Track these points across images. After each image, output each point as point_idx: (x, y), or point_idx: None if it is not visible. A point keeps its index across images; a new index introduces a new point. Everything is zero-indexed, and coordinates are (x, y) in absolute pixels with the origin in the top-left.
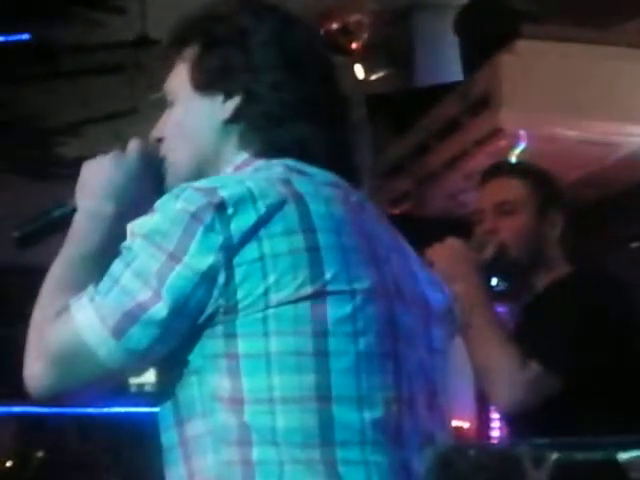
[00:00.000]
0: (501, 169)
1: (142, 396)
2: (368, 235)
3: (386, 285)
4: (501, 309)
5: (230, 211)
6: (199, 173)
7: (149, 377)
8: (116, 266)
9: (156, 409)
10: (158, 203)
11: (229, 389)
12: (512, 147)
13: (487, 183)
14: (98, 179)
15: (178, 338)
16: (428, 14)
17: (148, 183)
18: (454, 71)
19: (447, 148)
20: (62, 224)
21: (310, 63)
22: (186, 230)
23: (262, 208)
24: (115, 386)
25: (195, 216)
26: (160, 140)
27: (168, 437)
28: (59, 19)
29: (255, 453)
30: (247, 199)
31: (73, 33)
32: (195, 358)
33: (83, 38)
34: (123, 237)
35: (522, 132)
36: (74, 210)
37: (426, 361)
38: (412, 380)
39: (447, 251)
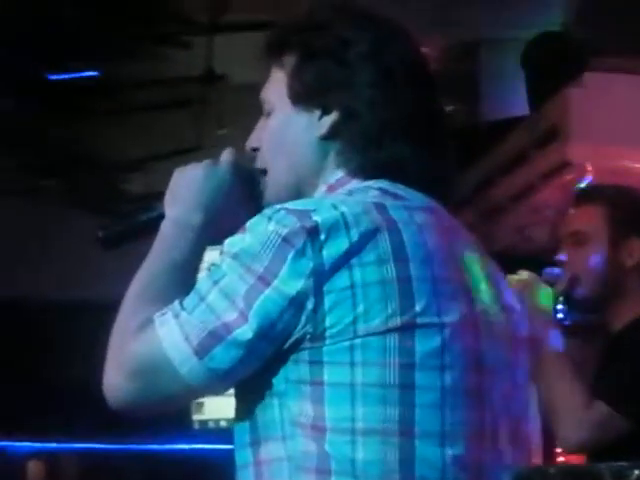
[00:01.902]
0: (580, 196)
1: (205, 433)
2: (460, 264)
3: (475, 317)
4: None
5: (323, 237)
6: (296, 189)
7: (212, 414)
8: (203, 284)
9: (219, 446)
10: (249, 223)
11: (311, 416)
12: (579, 180)
13: (569, 211)
14: (188, 188)
15: (261, 361)
16: (495, 48)
17: (238, 194)
18: (520, 105)
19: (514, 181)
20: (147, 229)
21: (411, 80)
22: (277, 253)
23: (355, 235)
24: (178, 423)
25: (287, 240)
26: (255, 150)
27: (241, 456)
28: (126, 55)
29: None
30: (340, 225)
31: (140, 69)
32: (278, 382)
33: (150, 73)
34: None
35: (589, 165)
36: (161, 216)
37: (510, 394)
38: (495, 415)
39: (520, 283)
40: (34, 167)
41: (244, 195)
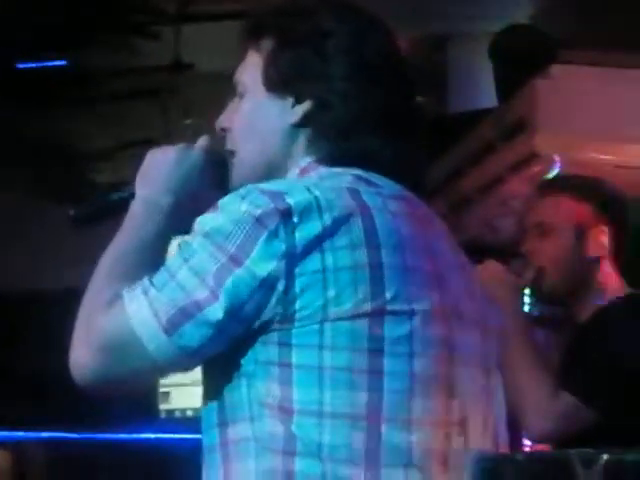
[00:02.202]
0: (545, 186)
1: (172, 422)
2: (432, 252)
3: (446, 306)
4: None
5: (296, 219)
6: (266, 172)
7: (179, 403)
8: (173, 261)
9: (186, 435)
10: (222, 202)
11: (279, 397)
12: (546, 172)
13: (533, 202)
14: (160, 170)
15: (230, 340)
16: (463, 41)
17: (210, 179)
18: (488, 98)
19: (482, 173)
20: (118, 208)
21: (386, 74)
22: (249, 234)
23: (328, 219)
24: (145, 413)
25: (260, 220)
26: (224, 130)
27: (209, 437)
28: (94, 45)
29: (298, 464)
30: (314, 209)
31: (107, 58)
32: (247, 362)
33: (117, 63)
34: (178, 230)
35: (557, 157)
36: (132, 195)
37: (481, 382)
38: (464, 403)
39: (486, 273)
40: (2, 156)
41: (215, 180)
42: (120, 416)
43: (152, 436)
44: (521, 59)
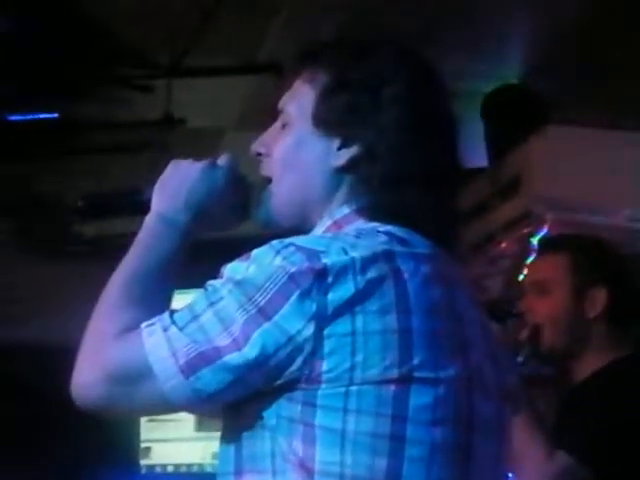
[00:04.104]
0: (543, 246)
1: (152, 478)
2: (459, 316)
3: (470, 373)
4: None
5: (330, 280)
6: (300, 211)
7: (160, 459)
8: (199, 302)
9: None
10: (256, 253)
11: (301, 455)
12: (536, 232)
13: (532, 261)
14: (181, 184)
15: (247, 391)
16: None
17: (231, 201)
18: (478, 158)
19: (473, 232)
20: (129, 208)
21: (438, 129)
22: (281, 290)
23: (361, 283)
24: (126, 467)
25: (293, 278)
26: (260, 155)
27: None
28: (85, 97)
29: None
30: (349, 271)
31: (98, 111)
32: (269, 416)
33: (108, 116)
34: (191, 250)
35: (549, 217)
36: (147, 201)
37: (496, 451)
38: (481, 472)
39: None
40: None
41: (234, 202)
42: (101, 471)
43: None
44: (512, 119)
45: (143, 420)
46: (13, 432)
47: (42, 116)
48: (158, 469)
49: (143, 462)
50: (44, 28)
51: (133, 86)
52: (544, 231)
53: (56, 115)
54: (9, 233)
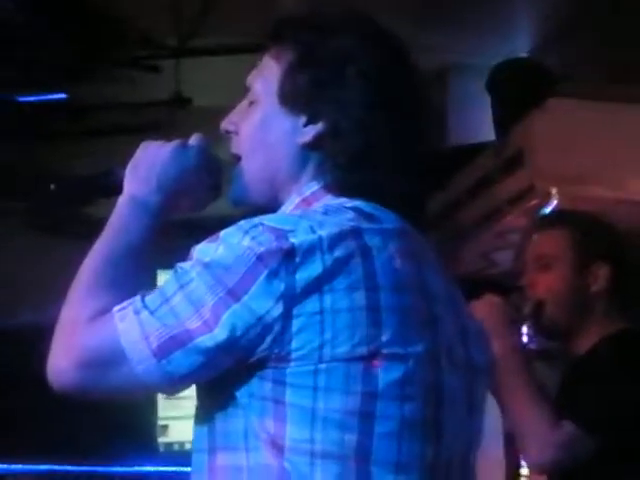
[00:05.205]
0: (545, 221)
1: (170, 455)
2: (427, 291)
3: (438, 348)
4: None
5: (298, 260)
6: (268, 187)
7: (177, 436)
8: (169, 285)
9: (184, 469)
10: (224, 234)
11: (272, 433)
12: (543, 206)
13: (533, 236)
14: (153, 166)
15: (218, 371)
16: (462, 75)
17: (201, 180)
18: (486, 132)
19: (479, 206)
20: (102, 191)
21: (405, 106)
22: (250, 270)
23: (329, 261)
24: (143, 445)
25: (261, 258)
26: (229, 132)
27: (197, 461)
28: (93, 78)
29: None
30: (316, 250)
31: (107, 92)
32: (242, 395)
33: (117, 97)
34: (162, 231)
35: (554, 191)
36: (120, 183)
37: (465, 422)
38: (451, 444)
39: (485, 307)
40: None
41: (205, 182)
42: (119, 449)
43: (151, 469)
44: (519, 92)
45: (160, 398)
46: (34, 411)
47: (50, 97)
48: (176, 446)
49: (161, 440)
50: (52, 10)
51: (141, 66)
52: (552, 204)
53: (64, 96)
54: (18, 214)
